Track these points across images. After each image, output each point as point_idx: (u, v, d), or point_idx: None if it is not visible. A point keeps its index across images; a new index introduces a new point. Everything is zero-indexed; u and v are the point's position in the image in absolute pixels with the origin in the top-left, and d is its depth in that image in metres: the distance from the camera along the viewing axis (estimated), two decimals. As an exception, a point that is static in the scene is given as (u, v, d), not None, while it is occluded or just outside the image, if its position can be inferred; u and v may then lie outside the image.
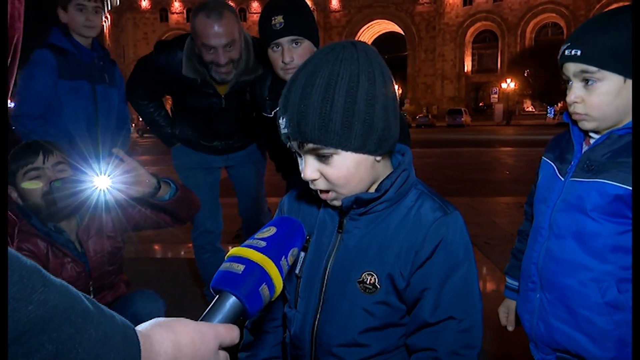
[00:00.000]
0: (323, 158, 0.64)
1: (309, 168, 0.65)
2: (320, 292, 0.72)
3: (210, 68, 1.61)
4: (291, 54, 1.34)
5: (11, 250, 0.33)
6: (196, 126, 1.86)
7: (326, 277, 0.72)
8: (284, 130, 0.65)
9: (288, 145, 0.68)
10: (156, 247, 3.23)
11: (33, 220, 1.15)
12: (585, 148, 0.86)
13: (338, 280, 0.71)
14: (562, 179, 0.87)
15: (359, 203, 0.68)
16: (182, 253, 3.18)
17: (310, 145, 0.63)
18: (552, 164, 0.92)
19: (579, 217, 0.82)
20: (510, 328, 1.07)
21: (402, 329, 0.72)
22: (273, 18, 1.32)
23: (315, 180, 0.66)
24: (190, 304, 2.07)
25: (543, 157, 0.96)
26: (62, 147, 1.22)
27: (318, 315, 0.72)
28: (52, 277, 0.35)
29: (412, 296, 0.69)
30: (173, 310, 0.89)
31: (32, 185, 1.11)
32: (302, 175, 0.67)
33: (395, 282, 0.69)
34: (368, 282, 0.69)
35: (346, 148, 0.63)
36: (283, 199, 0.84)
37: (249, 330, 0.85)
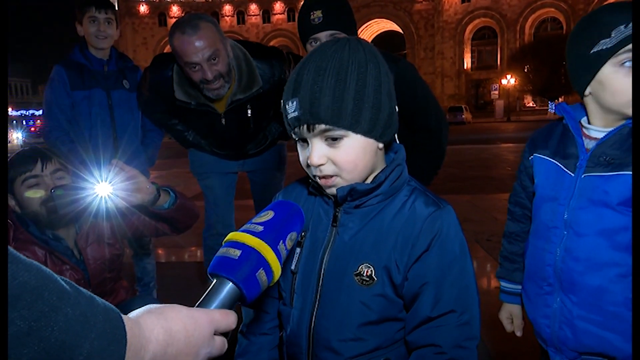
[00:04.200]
0: (332, 142, 0.65)
1: (316, 153, 0.65)
2: (316, 286, 0.72)
3: (202, 88, 1.55)
4: None
5: None
6: (206, 137, 1.85)
7: (322, 271, 0.71)
8: (293, 114, 0.65)
9: (291, 133, 0.68)
10: (160, 251, 3.23)
11: (31, 228, 1.14)
12: (587, 142, 0.84)
13: (335, 273, 0.71)
14: (572, 175, 0.84)
15: (354, 194, 0.69)
16: (179, 257, 3.18)
17: (322, 127, 0.64)
18: (552, 160, 0.89)
19: (604, 212, 0.80)
20: (519, 333, 1.04)
21: (399, 323, 0.71)
22: (312, 13, 1.32)
23: (322, 165, 0.66)
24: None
25: (536, 155, 0.93)
26: (61, 154, 1.22)
27: (315, 310, 0.71)
28: (21, 255, 0.34)
29: (411, 291, 0.69)
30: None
31: (34, 194, 1.11)
32: (307, 161, 0.67)
33: (391, 274, 0.69)
34: (365, 275, 0.69)
35: (356, 130, 0.65)
36: (277, 197, 0.84)
37: (244, 334, 0.83)
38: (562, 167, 0.87)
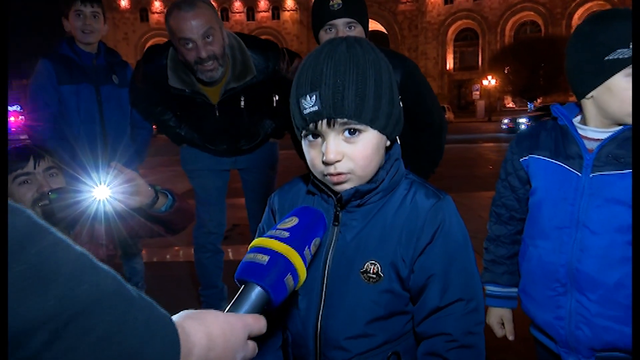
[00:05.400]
0: (349, 137, 0.64)
1: (333, 149, 0.64)
2: (321, 287, 0.71)
3: (195, 70, 1.55)
4: None
5: (62, 235, 0.34)
6: (199, 130, 1.83)
7: (327, 271, 0.71)
8: (312, 108, 0.63)
9: (301, 130, 0.67)
10: (149, 250, 3.19)
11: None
12: (586, 142, 0.85)
13: (340, 273, 0.70)
14: (579, 175, 0.85)
15: (358, 195, 0.69)
16: (168, 257, 3.16)
17: (344, 120, 0.63)
18: (555, 161, 0.89)
19: (620, 210, 0.80)
20: (511, 338, 1.04)
21: (406, 316, 0.72)
22: None
23: (338, 161, 0.65)
24: (186, 307, 2.05)
25: (532, 156, 0.93)
26: (55, 153, 1.20)
27: (321, 311, 0.71)
28: (99, 262, 0.36)
29: (418, 284, 0.69)
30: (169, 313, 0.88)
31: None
32: (322, 159, 0.65)
33: (398, 269, 0.69)
34: (371, 272, 0.69)
35: (375, 125, 0.65)
36: (272, 197, 0.82)
37: None
38: (568, 167, 0.87)
